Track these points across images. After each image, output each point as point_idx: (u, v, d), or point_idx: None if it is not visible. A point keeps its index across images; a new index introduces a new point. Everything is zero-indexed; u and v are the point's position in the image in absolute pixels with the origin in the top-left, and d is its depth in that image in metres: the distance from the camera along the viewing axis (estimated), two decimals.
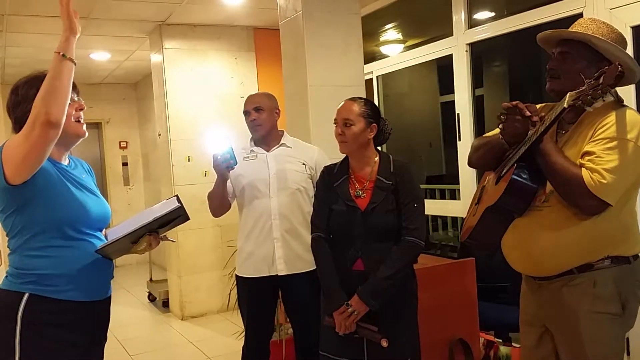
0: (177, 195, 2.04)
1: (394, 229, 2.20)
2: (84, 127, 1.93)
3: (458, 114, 4.18)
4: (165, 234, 2.04)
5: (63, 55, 1.73)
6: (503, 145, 1.93)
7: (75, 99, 1.90)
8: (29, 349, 1.75)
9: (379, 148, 2.39)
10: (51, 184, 1.80)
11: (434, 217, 5.66)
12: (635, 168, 1.74)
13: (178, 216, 1.96)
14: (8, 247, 1.86)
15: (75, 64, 1.76)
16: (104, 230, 2.01)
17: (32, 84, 1.85)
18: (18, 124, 1.85)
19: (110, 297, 1.99)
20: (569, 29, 1.91)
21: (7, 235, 1.85)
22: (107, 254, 1.90)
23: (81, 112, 1.92)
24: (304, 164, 2.78)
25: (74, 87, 1.89)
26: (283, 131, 2.89)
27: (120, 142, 8.46)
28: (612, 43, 1.81)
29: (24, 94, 1.84)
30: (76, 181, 1.89)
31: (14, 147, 1.71)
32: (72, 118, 1.88)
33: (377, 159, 2.33)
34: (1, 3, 4.28)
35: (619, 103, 1.81)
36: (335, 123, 2.31)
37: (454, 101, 4.25)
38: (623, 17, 2.99)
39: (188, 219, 2.00)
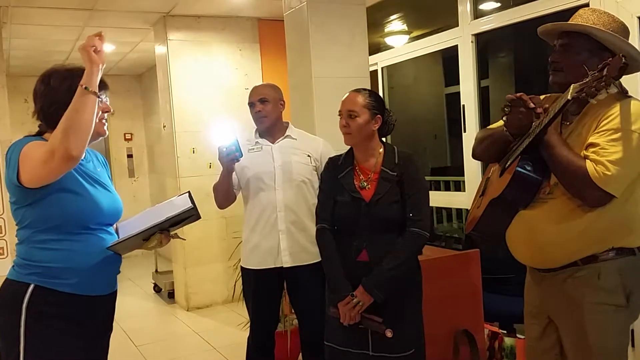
0: (189, 192, 2.05)
1: (399, 220, 2.20)
2: (105, 126, 1.94)
3: (463, 105, 4.17)
4: (175, 232, 2.06)
5: (86, 88, 1.70)
6: (507, 137, 1.92)
7: (104, 100, 1.90)
8: (34, 339, 1.76)
9: (383, 139, 2.39)
10: (65, 183, 1.79)
11: (439, 209, 5.67)
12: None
13: (190, 215, 1.98)
14: (16, 236, 1.87)
15: (99, 97, 1.75)
16: (114, 224, 2.02)
17: (65, 76, 1.84)
18: (43, 113, 1.85)
19: (116, 291, 2.00)
20: (570, 21, 1.89)
21: (16, 225, 1.86)
22: (118, 250, 1.91)
23: (106, 114, 1.92)
24: (309, 155, 2.77)
25: (104, 86, 1.89)
26: (288, 123, 2.89)
27: (125, 134, 8.48)
28: (613, 33, 1.79)
29: (56, 85, 1.83)
30: (90, 176, 1.90)
31: (32, 161, 1.71)
32: (97, 118, 1.87)
33: (381, 150, 2.32)
34: None
35: (623, 94, 1.80)
36: (339, 115, 2.31)
37: (459, 92, 4.23)
38: (629, 7, 2.97)
39: (199, 217, 2.02)
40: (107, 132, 1.96)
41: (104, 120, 1.92)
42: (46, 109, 1.84)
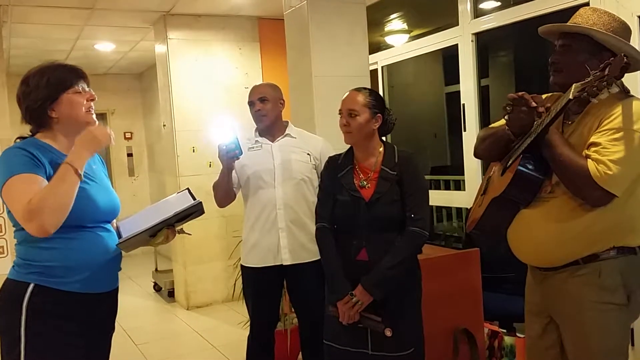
0: (188, 188, 2.07)
1: (398, 220, 2.20)
2: (94, 116, 1.94)
3: (463, 105, 4.17)
4: (181, 227, 2.07)
5: (73, 168, 1.74)
6: (509, 136, 1.92)
7: (87, 89, 1.90)
8: (34, 338, 1.76)
9: (383, 138, 2.39)
10: None
11: (439, 208, 5.66)
12: None
13: (196, 210, 2.00)
14: (14, 237, 1.87)
15: (81, 179, 1.77)
16: (113, 221, 2.02)
17: (43, 72, 1.86)
18: (29, 113, 1.85)
19: (117, 288, 2.00)
20: (570, 20, 1.89)
21: (13, 226, 1.86)
22: (124, 247, 1.92)
23: (92, 103, 1.92)
24: (308, 154, 2.78)
25: (85, 78, 1.90)
26: (288, 122, 2.89)
27: (125, 133, 8.47)
28: (612, 35, 1.79)
29: (36, 84, 1.84)
30: (84, 175, 1.89)
31: (11, 206, 1.73)
32: (84, 108, 1.88)
33: (381, 149, 2.32)
34: None
35: (625, 94, 1.80)
36: (340, 114, 2.31)
37: (459, 91, 4.23)
38: (630, 6, 2.97)
39: (203, 212, 2.03)
40: (96, 122, 1.95)
41: (91, 110, 1.91)
42: (32, 107, 1.85)
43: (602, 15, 1.83)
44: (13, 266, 1.85)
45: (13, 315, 1.76)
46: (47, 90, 1.83)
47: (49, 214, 1.68)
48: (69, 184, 1.72)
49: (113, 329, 2.04)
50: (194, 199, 2.00)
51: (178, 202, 2.01)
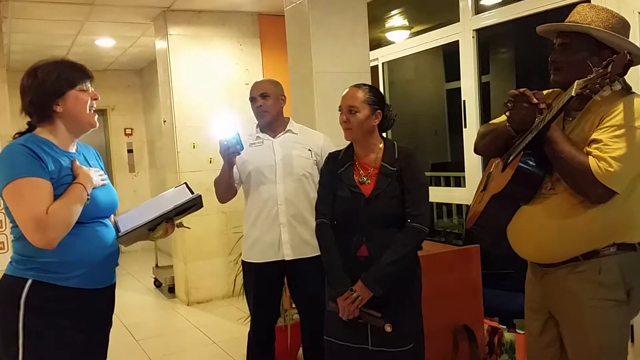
0: (185, 183, 2.08)
1: (398, 216, 2.21)
2: (96, 117, 1.94)
3: (464, 101, 4.16)
4: (180, 220, 2.07)
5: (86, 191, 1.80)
6: (510, 133, 1.92)
7: (91, 88, 1.90)
8: (33, 334, 1.76)
9: (383, 135, 2.39)
10: (57, 183, 1.79)
11: (439, 205, 5.67)
12: None
13: (194, 204, 2.00)
14: (11, 233, 1.87)
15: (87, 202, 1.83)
16: (111, 216, 2.02)
17: (52, 67, 1.85)
18: (33, 106, 1.85)
19: (114, 284, 2.00)
20: (568, 18, 1.88)
21: (10, 222, 1.85)
22: (123, 241, 1.92)
23: (94, 102, 1.92)
24: (309, 150, 2.78)
25: (92, 78, 1.90)
26: (289, 118, 2.89)
27: (125, 129, 8.46)
28: (611, 32, 1.78)
29: (44, 77, 1.84)
30: None
31: (16, 212, 1.75)
32: (88, 108, 1.88)
33: (381, 145, 2.32)
34: None
35: (626, 91, 1.79)
36: (340, 110, 2.31)
37: (459, 88, 4.23)
38: (631, 3, 2.96)
39: (202, 206, 2.03)
40: (97, 124, 1.96)
41: (93, 110, 1.92)
42: (36, 101, 1.84)
43: (600, 12, 1.82)
44: (10, 262, 1.85)
45: (11, 311, 1.76)
46: (55, 86, 1.82)
47: (60, 229, 1.73)
48: (80, 204, 1.78)
49: (111, 324, 2.04)
50: (192, 193, 2.01)
51: (176, 197, 2.02)
